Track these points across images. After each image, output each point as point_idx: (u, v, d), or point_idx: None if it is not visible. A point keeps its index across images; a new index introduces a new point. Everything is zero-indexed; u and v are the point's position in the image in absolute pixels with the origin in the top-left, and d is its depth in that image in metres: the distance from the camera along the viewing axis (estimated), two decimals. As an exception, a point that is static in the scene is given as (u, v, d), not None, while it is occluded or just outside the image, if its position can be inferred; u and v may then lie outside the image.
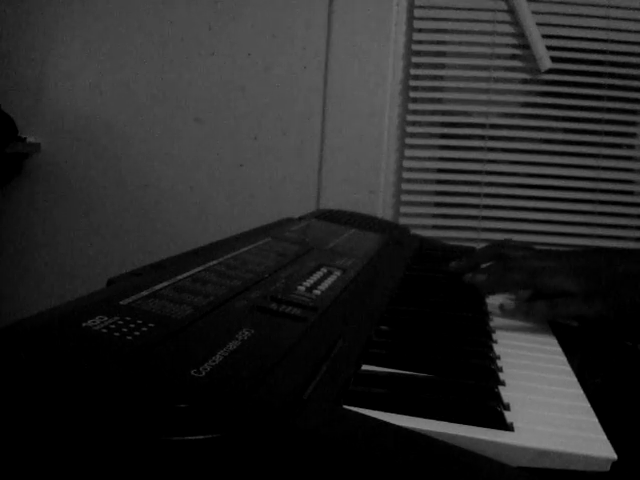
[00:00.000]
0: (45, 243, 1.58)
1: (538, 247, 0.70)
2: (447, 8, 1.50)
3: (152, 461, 0.24)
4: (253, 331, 0.37)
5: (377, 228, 0.92)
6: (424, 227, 1.54)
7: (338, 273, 0.57)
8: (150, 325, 0.34)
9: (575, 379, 0.44)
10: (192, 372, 0.29)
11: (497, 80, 1.52)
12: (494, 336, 0.52)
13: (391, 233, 0.92)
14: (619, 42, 1.49)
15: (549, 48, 1.48)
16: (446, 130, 1.56)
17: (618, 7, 1.47)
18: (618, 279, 0.56)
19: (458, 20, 1.50)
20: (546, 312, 0.57)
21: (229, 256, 0.54)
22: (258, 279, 0.49)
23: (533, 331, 0.55)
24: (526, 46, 1.48)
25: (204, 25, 1.52)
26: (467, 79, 1.53)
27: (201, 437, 0.24)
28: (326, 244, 0.70)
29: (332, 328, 0.43)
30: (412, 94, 1.52)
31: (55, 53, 1.54)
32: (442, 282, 0.68)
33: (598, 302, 0.55)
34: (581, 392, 0.41)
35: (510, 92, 1.55)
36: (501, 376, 0.42)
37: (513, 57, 1.51)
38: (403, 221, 1.53)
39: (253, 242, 0.62)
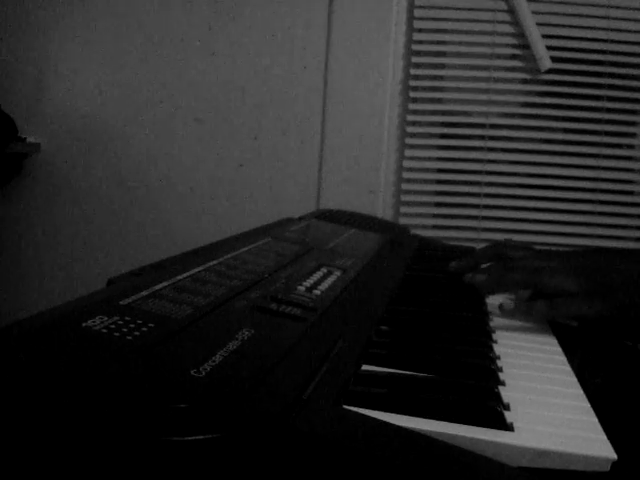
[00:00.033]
0: (45, 243, 1.58)
1: (538, 247, 0.70)
2: (447, 8, 1.50)
3: (152, 461, 0.24)
4: (253, 331, 0.37)
5: (377, 228, 0.92)
6: (424, 227, 1.54)
7: (338, 273, 0.57)
8: (150, 325, 0.34)
9: (575, 379, 0.44)
10: (192, 372, 0.29)
11: (497, 80, 1.52)
12: (494, 336, 0.52)
13: (391, 233, 0.92)
14: (619, 42, 1.49)
15: (549, 48, 1.48)
16: (446, 130, 1.56)
17: (618, 7, 1.47)
18: (618, 279, 0.56)
19: (458, 20, 1.50)
20: (546, 312, 0.57)
21: (229, 256, 0.54)
22: (258, 279, 0.49)
23: (533, 331, 0.55)
24: (526, 46, 1.48)
25: (204, 25, 1.52)
26: (467, 79, 1.53)
27: (201, 437, 0.24)
28: (326, 244, 0.70)
29: (332, 328, 0.43)
30: (412, 94, 1.52)
31: (55, 53, 1.54)
32: (442, 282, 0.68)
33: (598, 302, 0.55)
34: (581, 392, 0.41)
35: (510, 92, 1.55)
36: (501, 376, 0.42)
37: (513, 57, 1.51)
38: (403, 221, 1.53)
39: (253, 242, 0.62)
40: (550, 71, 1.49)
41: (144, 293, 0.39)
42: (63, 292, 1.56)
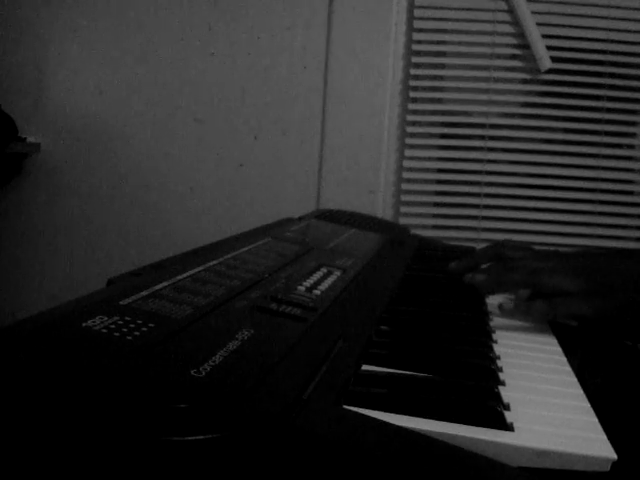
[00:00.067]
0: (45, 243, 1.58)
1: (538, 247, 0.70)
2: (447, 8, 1.50)
3: (152, 461, 0.24)
4: (253, 331, 0.37)
5: (377, 228, 0.92)
6: (424, 227, 1.54)
7: (338, 273, 0.57)
8: (150, 325, 0.34)
9: (575, 379, 0.44)
10: (192, 372, 0.29)
11: (497, 80, 1.52)
12: (494, 336, 0.52)
13: (391, 233, 0.92)
14: (619, 42, 1.49)
15: (549, 48, 1.48)
16: (446, 130, 1.56)
17: (618, 7, 1.47)
18: (618, 279, 0.56)
19: (458, 20, 1.50)
20: (545, 311, 0.57)
21: (229, 256, 0.54)
22: (258, 279, 0.49)
23: (533, 331, 0.55)
24: (526, 46, 1.48)
25: (204, 25, 1.52)
26: (467, 79, 1.53)
27: (201, 437, 0.24)
28: (326, 244, 0.70)
29: (332, 328, 0.43)
30: (412, 94, 1.52)
31: (55, 53, 1.54)
32: (442, 282, 0.68)
33: (598, 301, 0.55)
34: (581, 392, 0.41)
35: (510, 92, 1.55)
36: (501, 376, 0.42)
37: (513, 57, 1.51)
38: (403, 221, 1.53)
39: (253, 242, 0.62)
40: (550, 71, 1.49)
41: (144, 293, 0.39)
42: (63, 292, 1.56)
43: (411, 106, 1.52)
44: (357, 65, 1.49)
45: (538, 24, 1.47)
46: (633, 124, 1.54)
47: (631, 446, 0.36)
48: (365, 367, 0.40)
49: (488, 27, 1.50)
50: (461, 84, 1.53)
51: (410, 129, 1.53)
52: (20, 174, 1.57)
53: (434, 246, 0.93)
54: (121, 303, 0.37)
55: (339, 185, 1.52)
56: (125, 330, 0.32)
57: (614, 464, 0.32)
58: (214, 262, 0.51)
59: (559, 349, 0.51)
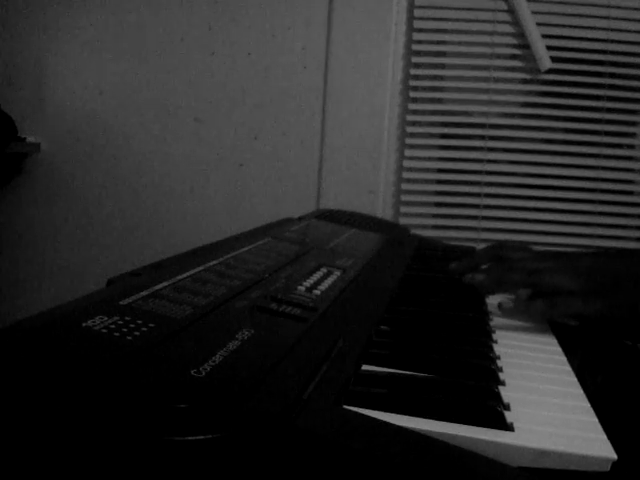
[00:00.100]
0: (45, 243, 1.58)
1: (538, 247, 0.70)
2: (447, 8, 1.50)
3: (153, 461, 0.24)
4: (253, 331, 0.37)
5: (377, 228, 0.92)
6: (424, 227, 1.54)
7: (338, 273, 0.57)
8: (150, 325, 0.34)
9: (575, 379, 0.44)
10: (192, 372, 0.29)
11: (497, 80, 1.52)
12: (494, 336, 0.52)
13: (391, 233, 0.92)
14: (619, 42, 1.49)
15: (549, 48, 1.48)
16: (446, 130, 1.56)
17: (619, 7, 1.47)
18: (618, 278, 0.56)
19: (458, 20, 1.50)
20: (545, 311, 0.57)
21: (229, 256, 0.54)
22: (258, 279, 0.49)
23: (533, 331, 0.55)
24: (526, 46, 1.48)
25: (204, 25, 1.52)
26: (467, 79, 1.53)
27: (201, 437, 0.24)
28: (326, 244, 0.70)
29: (332, 328, 0.43)
30: (412, 94, 1.52)
31: (55, 53, 1.54)
32: (442, 282, 0.68)
33: (598, 301, 0.55)
34: (581, 392, 0.41)
35: (510, 92, 1.55)
36: (501, 376, 0.42)
37: (513, 57, 1.51)
38: (403, 221, 1.53)
39: (253, 242, 0.62)
40: (550, 71, 1.49)
41: (144, 293, 0.39)
42: (63, 292, 1.56)
43: (411, 106, 1.52)
44: (357, 65, 1.49)
45: (538, 24, 1.47)
46: (633, 124, 1.54)
47: (631, 446, 0.36)
48: (365, 367, 0.40)
49: (488, 27, 1.50)
50: (461, 84, 1.53)
51: (410, 129, 1.53)
52: (20, 174, 1.57)
53: (434, 246, 0.93)
54: (121, 303, 0.37)
55: (339, 185, 1.52)
56: (125, 330, 0.32)
57: (614, 464, 0.32)
58: (214, 262, 0.51)
59: (559, 349, 0.51)
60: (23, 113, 1.53)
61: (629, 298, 0.55)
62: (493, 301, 0.62)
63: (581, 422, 0.36)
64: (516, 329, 0.55)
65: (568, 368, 0.46)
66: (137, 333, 0.32)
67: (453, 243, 1.09)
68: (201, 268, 0.48)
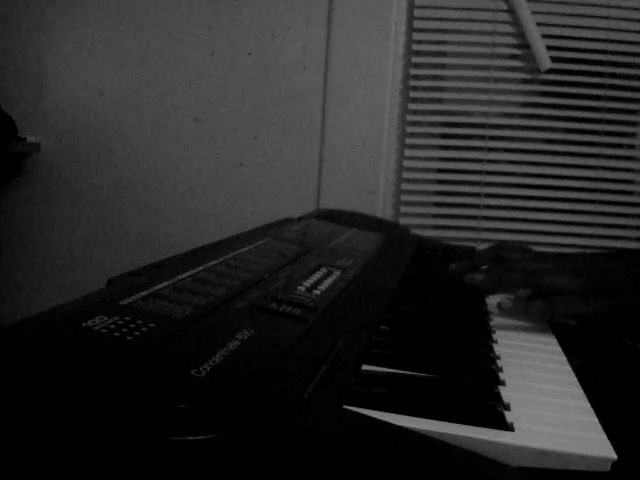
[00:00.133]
0: (45, 243, 1.58)
1: (539, 247, 0.70)
2: (447, 8, 1.50)
3: (152, 461, 0.24)
4: (253, 331, 0.37)
5: (377, 228, 0.92)
6: (424, 227, 1.54)
7: (338, 273, 0.57)
8: (150, 325, 0.34)
9: (575, 379, 0.44)
10: (192, 372, 0.29)
11: (497, 80, 1.52)
12: (494, 336, 0.52)
13: (391, 233, 0.92)
14: (619, 42, 1.49)
15: (549, 48, 1.48)
16: (446, 130, 1.56)
17: (619, 7, 1.47)
18: (618, 279, 0.56)
19: (458, 20, 1.50)
20: (545, 311, 0.57)
21: (229, 256, 0.54)
22: (258, 279, 0.49)
23: (533, 331, 0.55)
24: (526, 46, 1.49)
25: (204, 25, 1.52)
26: (467, 79, 1.53)
27: (201, 437, 0.24)
28: (326, 244, 0.70)
29: (332, 328, 0.43)
30: (412, 94, 1.52)
31: (55, 53, 1.54)
32: (442, 282, 0.68)
33: (597, 301, 0.55)
34: (581, 392, 0.41)
35: (510, 92, 1.55)
36: (501, 376, 0.42)
37: (513, 57, 1.51)
38: (403, 221, 1.53)
39: (253, 242, 0.62)
40: (550, 71, 1.49)
41: (144, 293, 0.39)
42: (63, 292, 1.56)
43: (411, 106, 1.52)
44: (357, 65, 1.49)
45: (538, 24, 1.47)
46: (633, 124, 1.54)
47: (631, 446, 0.36)
48: (365, 367, 0.40)
49: (488, 27, 1.50)
50: (461, 84, 1.53)
51: (410, 129, 1.54)
52: (20, 174, 1.57)
53: (434, 246, 0.93)
54: (121, 303, 0.37)
55: (339, 185, 1.52)
56: (125, 330, 0.32)
57: (614, 464, 0.32)
58: (214, 262, 0.51)
59: (559, 349, 0.51)
60: (23, 113, 1.53)
61: (629, 298, 0.55)
62: (493, 301, 0.62)
63: (581, 422, 0.36)
64: (516, 329, 0.55)
65: (568, 368, 0.46)
66: (137, 333, 0.32)
67: (453, 243, 1.09)
68: (201, 268, 0.48)
